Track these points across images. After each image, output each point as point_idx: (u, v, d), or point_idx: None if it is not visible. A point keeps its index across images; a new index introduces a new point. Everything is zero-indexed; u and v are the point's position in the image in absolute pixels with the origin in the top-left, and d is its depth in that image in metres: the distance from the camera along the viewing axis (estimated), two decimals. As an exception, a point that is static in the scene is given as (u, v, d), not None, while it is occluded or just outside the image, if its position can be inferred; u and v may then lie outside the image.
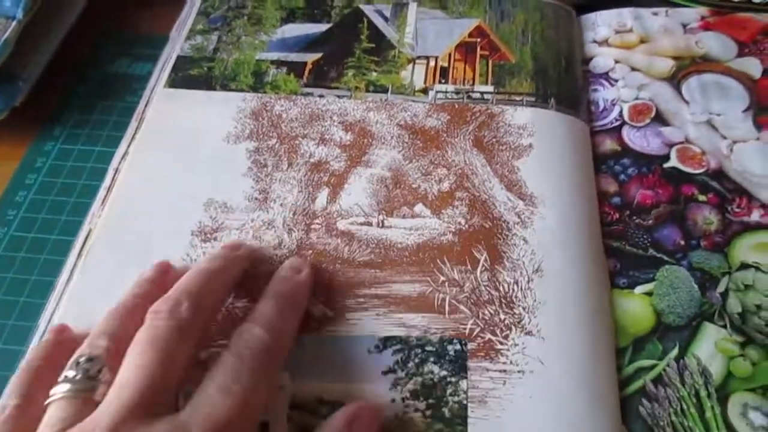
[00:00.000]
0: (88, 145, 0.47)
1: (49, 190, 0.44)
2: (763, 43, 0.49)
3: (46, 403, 0.28)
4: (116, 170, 0.43)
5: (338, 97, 0.44)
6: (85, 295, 0.36)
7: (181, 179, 0.41)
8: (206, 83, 0.45)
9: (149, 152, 0.42)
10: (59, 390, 0.28)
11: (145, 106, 0.46)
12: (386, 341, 0.34)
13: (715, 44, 0.50)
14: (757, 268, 0.38)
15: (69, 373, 0.29)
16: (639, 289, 0.38)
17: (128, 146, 0.44)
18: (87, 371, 0.28)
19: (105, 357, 0.29)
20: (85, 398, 0.28)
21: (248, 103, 0.44)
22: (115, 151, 0.44)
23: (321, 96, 0.44)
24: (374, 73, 0.45)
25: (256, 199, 0.40)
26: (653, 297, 0.38)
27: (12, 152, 0.47)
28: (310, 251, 0.37)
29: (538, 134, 0.41)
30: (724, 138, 0.44)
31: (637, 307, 0.37)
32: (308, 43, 0.48)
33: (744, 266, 0.39)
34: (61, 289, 0.38)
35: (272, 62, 0.47)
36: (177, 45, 0.49)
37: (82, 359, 0.29)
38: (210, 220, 0.39)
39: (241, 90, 0.45)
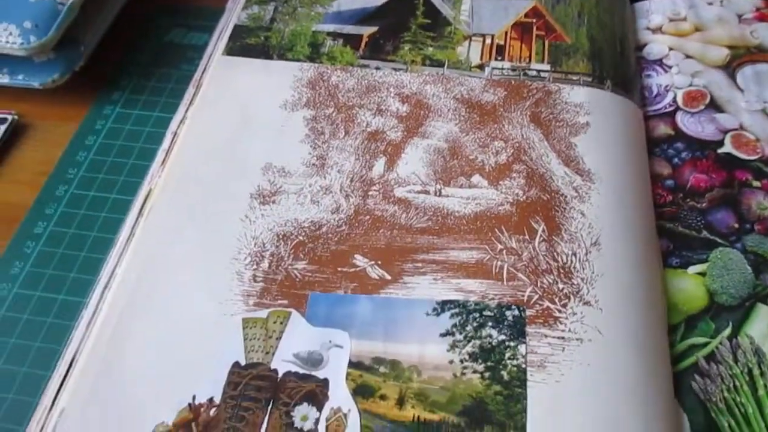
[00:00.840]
0: (145, 110, 0.48)
1: (109, 152, 0.45)
2: (820, 34, 0.49)
3: None
4: (174, 134, 0.43)
5: (394, 69, 0.45)
6: (147, 252, 0.37)
7: (238, 143, 0.41)
8: (263, 52, 0.46)
9: (207, 117, 0.43)
10: None
11: (202, 73, 0.46)
12: (444, 305, 0.34)
13: (771, 34, 0.49)
14: (814, 253, 0.38)
15: None
16: (692, 269, 0.38)
17: (186, 111, 0.44)
18: None
19: None
20: None
21: (305, 73, 0.45)
22: (172, 117, 0.45)
23: (377, 68, 0.45)
24: (430, 48, 0.46)
25: (313, 165, 0.40)
26: (706, 277, 0.38)
27: (73, 114, 0.48)
28: (368, 216, 0.38)
29: (594, 113, 0.42)
30: (779, 126, 0.44)
31: (690, 286, 0.38)
32: (364, 17, 0.48)
33: (800, 251, 0.39)
34: (122, 245, 0.39)
35: (328, 34, 0.47)
36: (234, 14, 0.50)
37: None
38: (268, 184, 0.39)
39: (298, 60, 0.46)
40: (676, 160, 0.43)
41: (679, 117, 0.45)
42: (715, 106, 0.46)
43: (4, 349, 0.36)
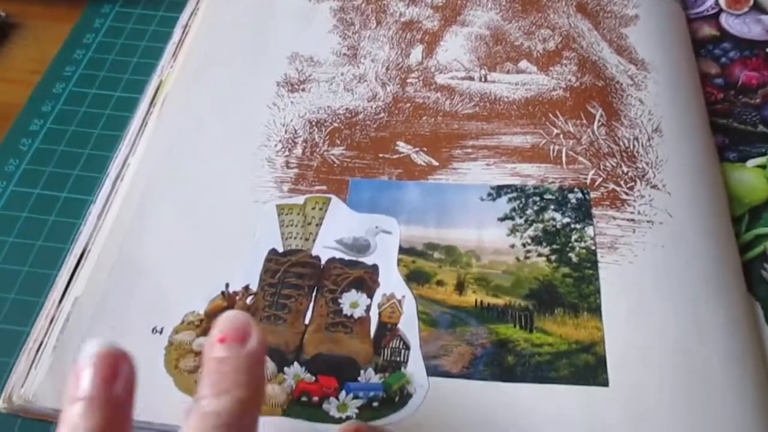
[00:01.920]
0: (149, 9, 0.43)
1: (110, 50, 0.41)
2: None
3: None
4: (185, 26, 0.40)
5: (425, -38, 0.41)
6: (164, 142, 0.34)
7: (260, 34, 0.38)
8: (281, -56, 0.42)
9: (222, 9, 0.39)
10: None
11: (212, -32, 0.43)
12: (500, 189, 0.31)
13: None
14: None
15: None
16: (751, 163, 0.36)
17: (197, 3, 0.41)
18: None
19: None
20: None
21: (328, -35, 0.41)
22: (178, 17, 0.41)
23: (407, -39, 0.41)
24: (462, -58, 0.43)
25: (344, 54, 0.37)
26: (767, 170, 0.36)
27: (67, 15, 0.43)
28: (408, 104, 0.34)
29: (642, 7, 0.39)
30: (826, 28, 0.42)
31: (750, 178, 0.35)
32: None
33: None
34: (133, 138, 0.35)
35: (350, -71, 0.44)
36: None
37: None
38: (296, 72, 0.36)
39: (320, -47, 0.42)
40: (723, 59, 0.41)
41: (724, 18, 0.43)
42: (759, 8, 0.43)
43: (2, 248, 0.32)
